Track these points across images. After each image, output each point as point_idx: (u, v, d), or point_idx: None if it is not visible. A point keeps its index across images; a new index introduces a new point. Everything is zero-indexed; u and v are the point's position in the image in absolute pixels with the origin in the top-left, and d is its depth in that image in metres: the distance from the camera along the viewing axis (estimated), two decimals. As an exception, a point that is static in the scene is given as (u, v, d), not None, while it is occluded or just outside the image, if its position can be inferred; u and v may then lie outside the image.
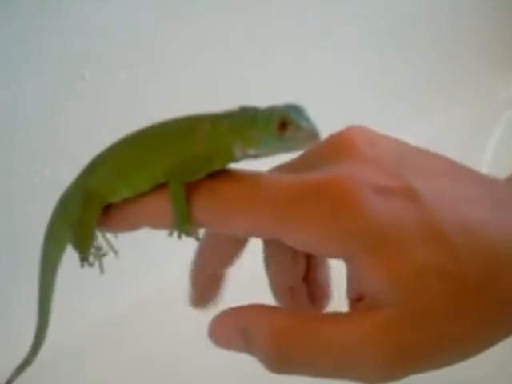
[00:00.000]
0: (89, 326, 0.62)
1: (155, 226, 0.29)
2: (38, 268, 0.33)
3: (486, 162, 0.86)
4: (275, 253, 0.32)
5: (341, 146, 0.28)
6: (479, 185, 0.28)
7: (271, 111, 0.27)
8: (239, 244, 0.31)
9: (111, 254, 0.33)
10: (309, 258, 0.32)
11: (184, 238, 0.28)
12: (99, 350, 0.62)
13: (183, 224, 0.27)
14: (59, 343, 0.62)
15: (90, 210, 0.29)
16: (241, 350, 0.28)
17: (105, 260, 0.59)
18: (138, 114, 0.65)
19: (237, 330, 0.28)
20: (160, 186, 0.28)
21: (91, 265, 0.31)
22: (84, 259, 0.30)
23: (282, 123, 0.26)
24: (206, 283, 0.33)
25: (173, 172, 0.27)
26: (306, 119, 0.26)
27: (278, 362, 0.27)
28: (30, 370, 0.52)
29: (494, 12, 0.91)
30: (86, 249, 0.30)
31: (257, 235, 0.28)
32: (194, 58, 0.66)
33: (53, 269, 0.32)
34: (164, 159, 0.28)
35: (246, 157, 0.27)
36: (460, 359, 0.26)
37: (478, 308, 0.26)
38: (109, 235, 0.32)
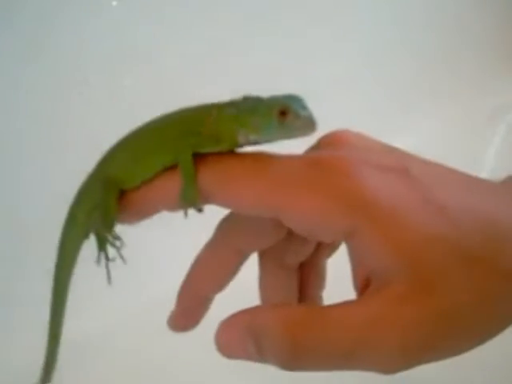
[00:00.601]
0: (86, 334, 0.62)
1: (166, 203, 0.30)
2: (55, 263, 0.34)
3: (487, 166, 0.86)
4: (270, 265, 0.32)
5: (334, 140, 0.29)
6: (474, 177, 0.29)
7: (272, 100, 0.28)
8: (234, 265, 0.32)
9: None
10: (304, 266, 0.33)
11: (190, 214, 0.29)
12: (97, 358, 0.62)
13: (191, 194, 0.28)
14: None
15: (110, 195, 0.30)
16: (250, 355, 0.27)
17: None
18: (142, 119, 0.66)
19: (247, 331, 0.27)
20: (170, 168, 0.30)
21: (110, 259, 0.32)
22: (104, 249, 0.32)
23: (282, 111, 0.28)
24: (192, 305, 0.33)
25: (183, 145, 0.29)
26: (305, 108, 0.28)
27: (292, 355, 0.26)
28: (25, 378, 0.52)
29: (496, 14, 0.92)
30: (109, 230, 0.31)
31: (258, 209, 0.28)
32: (200, 63, 0.67)
33: (70, 263, 0.34)
34: (176, 142, 0.29)
35: (249, 142, 0.29)
36: (475, 339, 0.26)
37: (485, 281, 0.25)
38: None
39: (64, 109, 0.59)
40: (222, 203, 0.29)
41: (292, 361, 0.26)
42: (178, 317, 0.33)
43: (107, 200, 0.30)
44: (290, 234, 0.30)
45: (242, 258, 0.32)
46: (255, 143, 0.29)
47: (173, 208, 0.30)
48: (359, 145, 0.29)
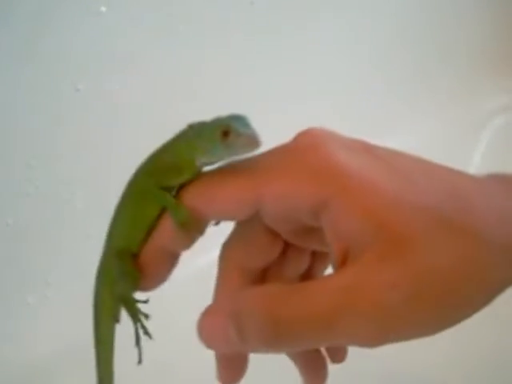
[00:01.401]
0: (82, 334, 0.63)
1: (170, 244, 0.31)
2: (95, 349, 0.35)
3: (474, 169, 0.87)
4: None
5: (306, 134, 0.30)
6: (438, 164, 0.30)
7: (214, 122, 0.30)
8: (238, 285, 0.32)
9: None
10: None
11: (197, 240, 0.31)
12: (92, 358, 0.62)
13: (181, 216, 0.30)
14: (52, 350, 0.62)
15: (125, 264, 0.31)
16: (233, 343, 0.27)
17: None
18: (132, 126, 0.66)
19: (229, 316, 0.27)
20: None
21: (145, 329, 0.33)
22: (137, 318, 0.33)
23: (224, 132, 0.29)
24: (231, 363, 0.32)
25: (152, 187, 0.31)
26: (246, 126, 0.29)
27: (274, 332, 0.26)
28: (20, 376, 0.52)
29: (488, 19, 0.92)
30: (133, 299, 0.32)
31: (242, 208, 0.29)
32: (189, 69, 0.67)
33: (109, 347, 0.34)
34: (147, 189, 0.31)
35: (205, 165, 0.30)
36: (456, 308, 0.26)
37: (456, 242, 0.25)
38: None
39: (54, 116, 0.59)
40: (211, 214, 0.30)
41: (274, 338, 0.26)
42: (223, 375, 0.33)
43: (124, 269, 0.31)
44: (286, 249, 0.32)
45: (245, 277, 0.32)
46: (211, 164, 0.30)
47: (180, 243, 0.31)
48: (326, 131, 0.30)
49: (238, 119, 0.29)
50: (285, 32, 0.73)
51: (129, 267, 0.29)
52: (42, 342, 0.62)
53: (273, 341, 0.26)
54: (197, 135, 0.30)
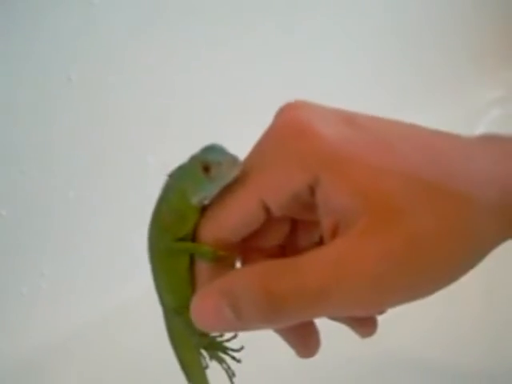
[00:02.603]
0: (76, 325, 0.63)
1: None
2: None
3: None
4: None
5: (278, 113, 0.30)
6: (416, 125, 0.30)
7: (191, 163, 0.30)
8: None
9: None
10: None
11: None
12: (87, 349, 0.62)
13: (208, 254, 0.30)
14: (47, 341, 0.62)
15: (187, 317, 0.30)
16: (229, 322, 0.27)
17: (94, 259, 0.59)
18: (125, 116, 0.66)
19: (222, 296, 0.27)
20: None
21: (229, 369, 0.34)
22: (222, 359, 0.34)
23: (205, 168, 0.29)
24: (296, 336, 0.32)
25: (168, 245, 0.31)
26: (222, 153, 0.30)
27: (271, 307, 0.26)
28: (15, 368, 0.52)
29: (485, 13, 0.92)
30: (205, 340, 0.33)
31: (253, 219, 0.30)
32: (183, 61, 0.67)
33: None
34: (165, 249, 0.32)
35: (204, 199, 0.31)
36: (448, 268, 0.26)
37: (443, 206, 0.26)
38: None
39: (46, 106, 0.59)
40: (230, 236, 0.30)
41: (271, 313, 0.26)
42: (297, 349, 0.33)
43: (189, 324, 0.31)
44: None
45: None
46: (209, 197, 0.31)
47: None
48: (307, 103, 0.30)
49: (212, 150, 0.30)
50: (285, 25, 0.73)
51: (191, 319, 0.29)
52: (36, 332, 0.63)
53: (269, 316, 0.26)
54: (181, 181, 0.31)
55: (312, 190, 0.28)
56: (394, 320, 0.35)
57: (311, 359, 0.34)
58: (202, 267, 0.31)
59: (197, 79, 0.67)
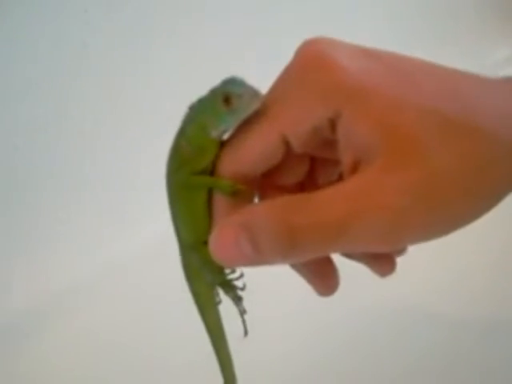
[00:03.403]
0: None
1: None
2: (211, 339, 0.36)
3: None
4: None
5: (300, 48, 0.30)
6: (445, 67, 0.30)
7: (212, 94, 0.30)
8: None
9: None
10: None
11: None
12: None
13: (227, 188, 0.31)
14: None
15: (203, 252, 0.32)
16: (247, 255, 0.27)
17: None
18: (140, 81, 0.66)
19: (241, 228, 0.27)
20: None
21: (240, 298, 0.35)
22: (236, 296, 0.34)
23: (225, 99, 0.29)
24: (317, 272, 0.33)
25: (186, 178, 0.32)
26: (243, 85, 0.30)
27: (290, 240, 0.26)
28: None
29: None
30: (223, 276, 0.34)
31: (273, 154, 0.30)
32: (192, 30, 0.67)
33: (219, 330, 0.36)
34: (183, 182, 0.32)
35: (223, 133, 0.31)
36: (468, 205, 0.26)
37: (459, 142, 0.26)
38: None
39: (62, 73, 0.60)
40: (250, 169, 0.30)
41: (290, 247, 0.26)
42: (316, 287, 0.33)
43: (205, 259, 0.32)
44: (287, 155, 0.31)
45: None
46: (229, 130, 0.31)
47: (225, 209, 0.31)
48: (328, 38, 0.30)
49: (233, 82, 0.30)
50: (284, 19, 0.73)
51: (208, 256, 0.29)
52: (56, 275, 0.64)
53: (288, 249, 0.27)
54: (201, 113, 0.31)
55: (333, 125, 0.28)
56: (407, 270, 0.36)
57: (323, 304, 0.35)
58: (221, 201, 0.31)
59: (212, 52, 0.67)
